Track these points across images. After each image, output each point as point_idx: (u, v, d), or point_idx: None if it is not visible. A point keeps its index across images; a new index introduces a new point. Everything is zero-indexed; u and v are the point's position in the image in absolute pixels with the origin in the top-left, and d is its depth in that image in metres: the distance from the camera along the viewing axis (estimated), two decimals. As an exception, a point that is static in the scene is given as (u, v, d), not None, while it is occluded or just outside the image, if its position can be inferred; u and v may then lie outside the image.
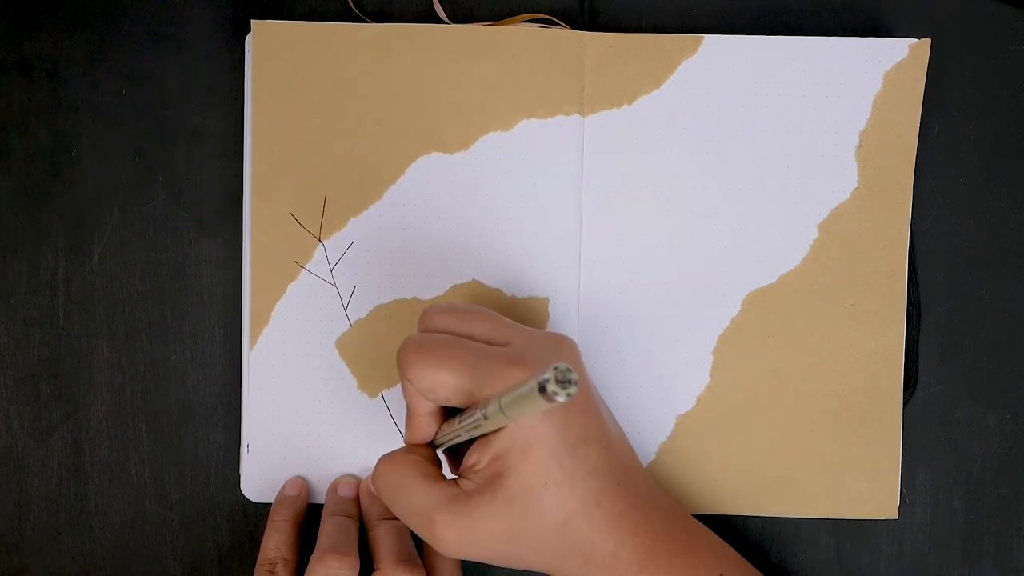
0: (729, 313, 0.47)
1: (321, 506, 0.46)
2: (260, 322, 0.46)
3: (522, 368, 0.37)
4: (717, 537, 0.43)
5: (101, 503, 0.48)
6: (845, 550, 0.47)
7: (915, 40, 0.46)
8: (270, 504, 0.46)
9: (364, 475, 0.47)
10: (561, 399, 0.29)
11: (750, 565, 0.43)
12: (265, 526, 0.46)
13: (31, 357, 0.48)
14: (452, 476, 0.40)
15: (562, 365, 0.29)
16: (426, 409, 0.40)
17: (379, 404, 0.47)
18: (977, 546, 0.48)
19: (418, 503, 0.39)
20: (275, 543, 0.44)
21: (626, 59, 0.46)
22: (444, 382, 0.38)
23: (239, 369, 0.47)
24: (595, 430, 0.39)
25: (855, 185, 0.46)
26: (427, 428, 0.40)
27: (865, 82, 0.46)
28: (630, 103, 0.46)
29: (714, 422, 0.47)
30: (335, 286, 0.47)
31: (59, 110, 0.47)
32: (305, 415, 0.47)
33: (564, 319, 0.46)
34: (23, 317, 0.47)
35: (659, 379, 0.47)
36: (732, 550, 0.43)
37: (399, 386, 0.47)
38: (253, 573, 0.44)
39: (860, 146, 0.46)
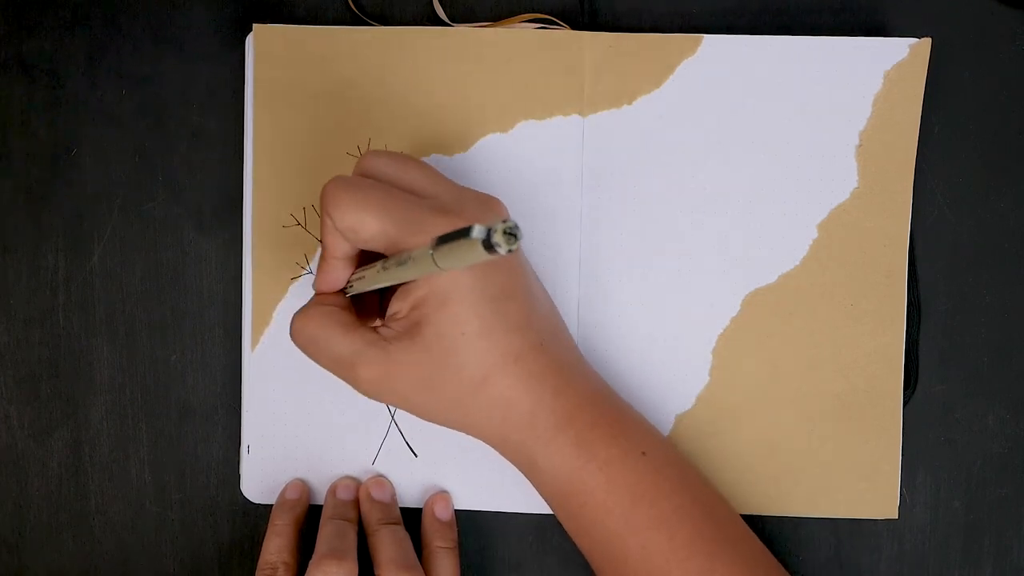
0: (729, 313, 0.47)
1: (321, 507, 0.46)
2: (261, 323, 0.46)
3: (449, 218, 0.37)
4: (646, 420, 0.42)
5: (101, 503, 0.48)
6: (845, 550, 0.48)
7: (915, 40, 0.46)
8: (270, 505, 0.46)
9: (364, 477, 0.47)
10: (503, 252, 0.29)
11: (674, 449, 0.42)
12: (265, 527, 0.46)
13: (31, 357, 0.48)
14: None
15: (511, 220, 0.29)
16: (342, 252, 0.40)
17: (380, 405, 0.47)
18: (977, 546, 0.48)
19: (339, 351, 0.39)
20: (276, 547, 0.44)
21: (626, 59, 0.46)
22: (367, 224, 0.37)
23: (239, 369, 0.47)
24: (519, 287, 0.39)
25: (855, 185, 0.46)
26: (340, 272, 0.40)
27: (865, 82, 0.46)
28: (630, 103, 0.46)
29: (714, 422, 0.47)
30: (335, 286, 0.47)
31: (59, 110, 0.47)
32: (305, 416, 0.47)
33: (563, 319, 0.46)
34: (23, 317, 0.47)
35: (659, 379, 0.47)
36: (659, 434, 0.42)
37: (399, 386, 0.47)
38: (253, 575, 0.44)
39: (860, 146, 0.46)
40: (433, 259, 0.33)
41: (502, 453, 0.41)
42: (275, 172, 0.46)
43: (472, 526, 0.47)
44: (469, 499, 0.47)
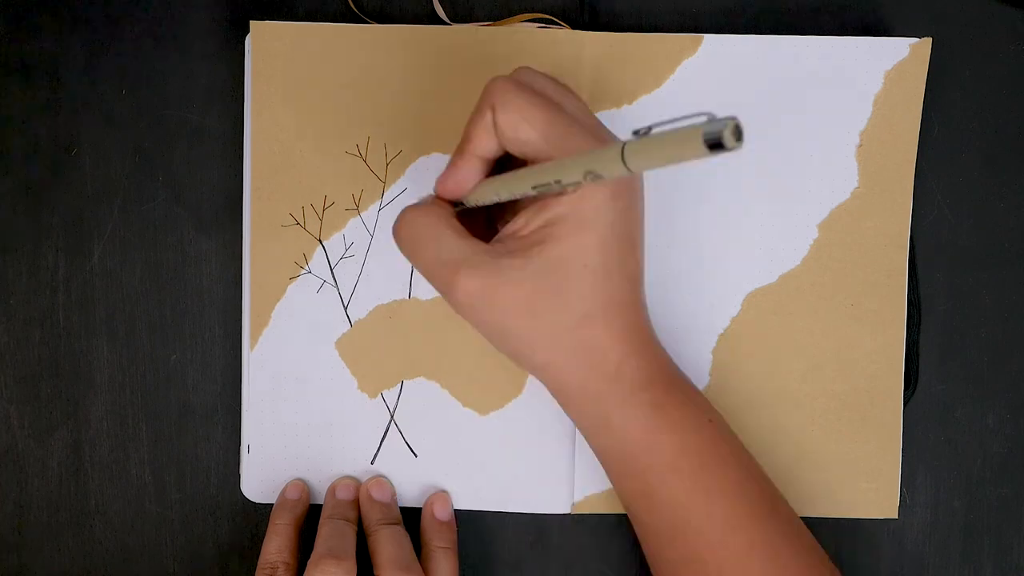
0: (729, 313, 0.47)
1: (321, 507, 0.46)
2: (260, 322, 0.46)
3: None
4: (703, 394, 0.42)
5: (101, 503, 0.48)
6: (845, 550, 0.47)
7: (916, 39, 0.46)
8: (270, 504, 0.46)
9: (364, 477, 0.47)
10: (731, 148, 0.26)
11: (730, 429, 0.41)
12: (265, 527, 0.46)
13: (31, 357, 0.48)
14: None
15: (737, 119, 0.27)
16: (484, 150, 0.38)
17: (379, 404, 0.47)
18: (977, 546, 0.48)
19: (446, 252, 0.37)
20: (276, 547, 0.44)
21: (626, 59, 0.46)
22: (531, 126, 0.36)
23: (239, 369, 0.47)
24: (639, 240, 0.39)
25: (855, 185, 0.46)
26: (473, 173, 0.38)
27: (866, 81, 0.46)
28: (630, 103, 0.46)
29: (714, 422, 0.47)
30: (335, 286, 0.47)
31: (59, 110, 0.47)
32: (305, 415, 0.47)
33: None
34: (23, 317, 0.47)
35: (659, 379, 0.47)
36: (713, 406, 0.42)
37: (399, 386, 0.47)
38: (253, 575, 0.44)
39: (860, 145, 0.46)
40: (623, 154, 0.29)
41: (572, 404, 0.40)
42: (274, 171, 0.46)
43: (472, 526, 0.47)
44: (469, 499, 0.47)
